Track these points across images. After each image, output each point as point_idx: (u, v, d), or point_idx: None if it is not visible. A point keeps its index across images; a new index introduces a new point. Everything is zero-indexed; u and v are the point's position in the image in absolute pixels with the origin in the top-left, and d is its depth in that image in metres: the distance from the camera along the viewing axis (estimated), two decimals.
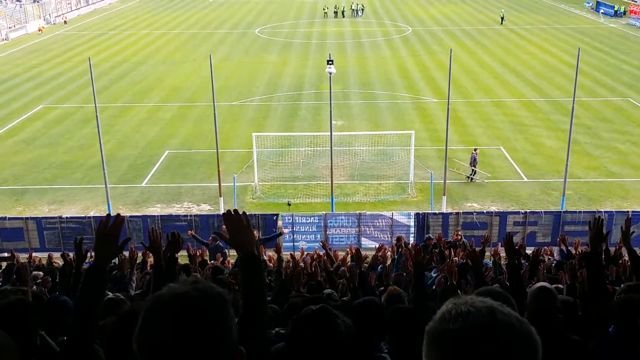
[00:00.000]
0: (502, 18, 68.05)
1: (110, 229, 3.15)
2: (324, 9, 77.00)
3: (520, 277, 5.38)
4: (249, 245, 2.92)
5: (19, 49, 58.57)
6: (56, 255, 15.69)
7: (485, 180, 27.09)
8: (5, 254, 17.54)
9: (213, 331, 1.66)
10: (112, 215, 3.25)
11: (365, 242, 21.67)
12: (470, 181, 27.22)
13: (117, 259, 8.98)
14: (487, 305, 1.64)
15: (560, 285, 7.31)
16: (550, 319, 4.45)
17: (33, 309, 4.82)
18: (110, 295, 4.59)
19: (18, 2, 72.06)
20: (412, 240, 21.55)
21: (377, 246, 9.80)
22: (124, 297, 5.07)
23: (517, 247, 5.61)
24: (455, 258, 12.37)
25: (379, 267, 11.26)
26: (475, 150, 27.49)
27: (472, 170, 27.19)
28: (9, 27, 64.71)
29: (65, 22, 72.24)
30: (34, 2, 74.33)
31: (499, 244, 17.02)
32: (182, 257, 14.90)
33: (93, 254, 3.30)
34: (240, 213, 2.99)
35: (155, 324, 1.65)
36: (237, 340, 1.76)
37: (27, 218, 22.22)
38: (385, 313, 4.24)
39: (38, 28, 67.39)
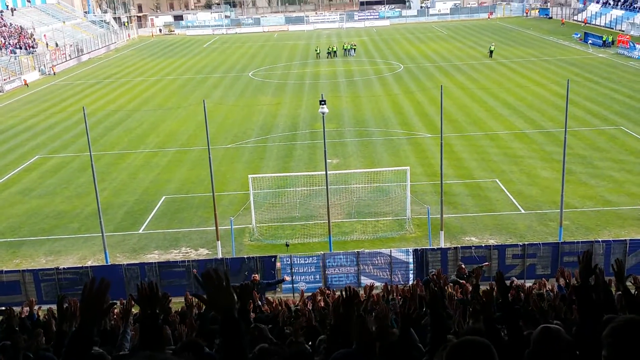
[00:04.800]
0: (491, 52, 68.97)
1: (95, 293, 3.12)
2: (316, 50, 77.97)
3: (514, 316, 5.33)
4: (229, 308, 2.86)
5: (15, 100, 59.03)
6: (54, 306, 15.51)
7: None
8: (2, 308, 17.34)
9: None
10: (97, 279, 3.23)
11: (365, 281, 21.47)
12: None
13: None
14: None
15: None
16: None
17: None
18: (94, 350, 4.41)
19: (13, 54, 72.85)
20: (411, 277, 21.47)
21: (369, 285, 9.69)
22: (111, 354, 4.96)
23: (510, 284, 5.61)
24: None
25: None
26: None
27: None
28: (4, 79, 65.28)
29: (54, 73, 72.85)
30: (29, 53, 75.19)
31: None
32: (178, 304, 14.78)
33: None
34: (222, 272, 2.96)
35: None
36: None
37: (23, 271, 22.07)
38: None
39: (23, 81, 66.80)
